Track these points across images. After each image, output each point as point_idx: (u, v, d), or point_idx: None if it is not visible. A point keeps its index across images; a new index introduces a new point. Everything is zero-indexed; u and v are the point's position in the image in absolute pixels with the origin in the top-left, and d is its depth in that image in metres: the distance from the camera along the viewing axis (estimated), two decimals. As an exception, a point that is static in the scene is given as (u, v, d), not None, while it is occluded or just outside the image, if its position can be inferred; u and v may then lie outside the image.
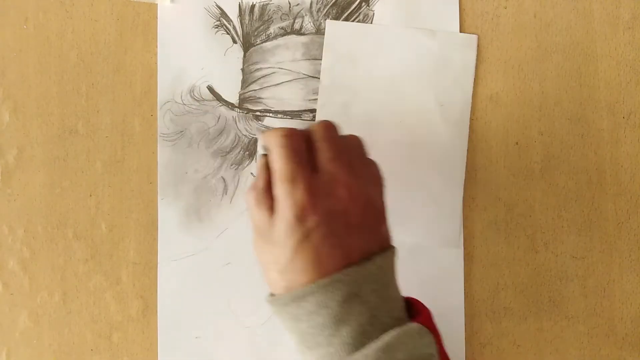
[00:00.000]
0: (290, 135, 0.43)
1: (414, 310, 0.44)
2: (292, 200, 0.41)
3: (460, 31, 0.54)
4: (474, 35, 0.54)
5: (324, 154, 0.43)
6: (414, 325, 0.41)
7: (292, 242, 0.40)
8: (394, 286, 0.43)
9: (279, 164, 0.42)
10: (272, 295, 0.43)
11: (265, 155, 0.45)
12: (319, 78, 0.54)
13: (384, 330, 0.40)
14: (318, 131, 0.44)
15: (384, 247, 0.43)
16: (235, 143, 0.55)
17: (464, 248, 0.54)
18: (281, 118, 0.54)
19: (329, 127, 0.45)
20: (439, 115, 0.54)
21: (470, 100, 0.54)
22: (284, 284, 0.41)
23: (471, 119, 0.54)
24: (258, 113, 0.55)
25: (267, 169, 0.43)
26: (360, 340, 0.40)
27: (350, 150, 0.44)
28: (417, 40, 0.54)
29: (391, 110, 0.54)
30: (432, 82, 0.54)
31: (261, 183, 0.43)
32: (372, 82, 0.54)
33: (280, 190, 0.41)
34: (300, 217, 0.40)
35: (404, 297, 0.44)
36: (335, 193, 0.42)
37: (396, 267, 0.44)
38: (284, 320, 0.42)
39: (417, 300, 0.45)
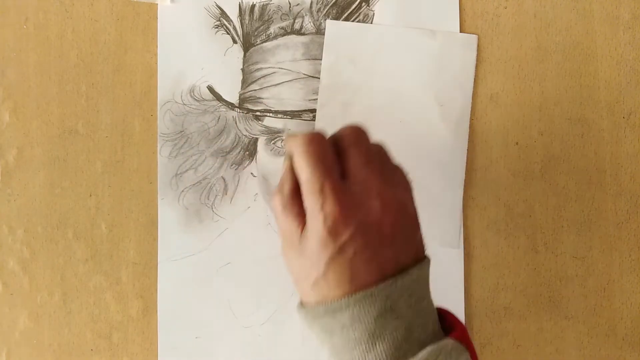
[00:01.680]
0: (318, 142, 0.41)
1: (447, 322, 0.42)
2: (324, 213, 0.39)
3: (460, 31, 0.55)
4: (474, 35, 0.54)
5: (354, 161, 0.41)
6: (450, 342, 0.40)
7: (326, 256, 0.39)
8: (429, 298, 0.42)
9: (306, 173, 0.40)
10: (302, 305, 0.42)
11: (290, 158, 0.43)
12: (319, 78, 0.54)
13: (420, 346, 0.39)
14: (348, 136, 0.42)
15: (419, 258, 0.42)
16: (236, 143, 0.55)
17: (464, 248, 0.54)
18: (281, 118, 0.54)
19: (360, 132, 0.42)
20: (439, 115, 0.54)
21: (470, 100, 0.54)
22: (316, 297, 0.40)
23: (471, 119, 0.54)
24: (258, 113, 0.55)
25: (293, 172, 0.42)
26: (395, 357, 0.39)
27: (379, 157, 0.43)
28: (417, 40, 0.54)
29: (391, 110, 0.54)
30: (432, 82, 0.54)
31: (287, 189, 0.41)
32: (372, 82, 0.54)
33: (310, 202, 0.40)
34: (333, 231, 0.39)
35: (436, 308, 0.43)
36: (368, 203, 0.40)
37: (429, 278, 0.43)
38: (317, 333, 0.41)
39: (449, 312, 0.43)
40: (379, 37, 0.54)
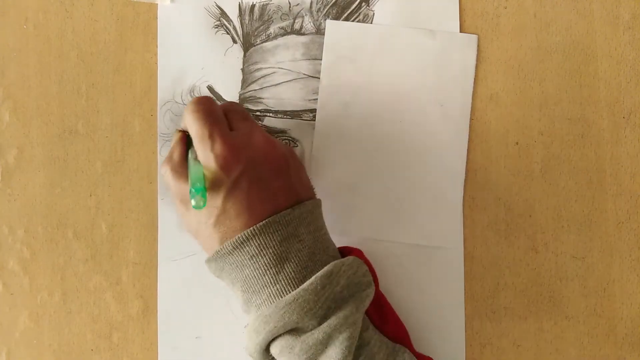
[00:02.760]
0: (205, 101, 0.46)
1: (346, 252, 0.48)
2: (214, 154, 0.43)
3: (460, 31, 0.54)
4: (474, 35, 0.54)
5: (235, 117, 0.47)
6: (350, 257, 0.45)
7: (223, 192, 0.43)
8: (326, 232, 0.47)
9: (197, 125, 0.45)
10: (208, 259, 0.45)
11: (180, 131, 0.48)
12: (319, 78, 0.54)
13: (324, 264, 0.44)
14: (226, 105, 0.48)
15: (311, 196, 0.47)
16: (235, 143, 0.54)
17: (464, 248, 0.54)
18: (281, 118, 0.54)
19: (235, 103, 0.50)
20: (439, 115, 0.54)
21: (470, 100, 0.54)
22: (219, 236, 0.44)
23: (471, 119, 0.54)
24: (258, 113, 0.55)
25: (181, 143, 0.47)
26: (303, 275, 0.43)
27: (230, 111, 0.48)
28: (417, 40, 0.54)
29: (391, 110, 0.54)
30: (432, 82, 0.54)
31: (177, 155, 0.47)
32: (372, 82, 0.54)
33: (201, 148, 0.44)
34: (225, 168, 0.43)
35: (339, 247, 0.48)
36: (253, 143, 0.45)
37: (322, 216, 0.47)
38: (228, 273, 0.45)
39: (348, 247, 0.48)
40: (379, 37, 0.54)
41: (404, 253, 0.54)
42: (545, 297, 0.54)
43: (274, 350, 0.44)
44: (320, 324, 0.42)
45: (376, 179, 0.54)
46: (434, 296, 0.54)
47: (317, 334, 0.42)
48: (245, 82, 0.55)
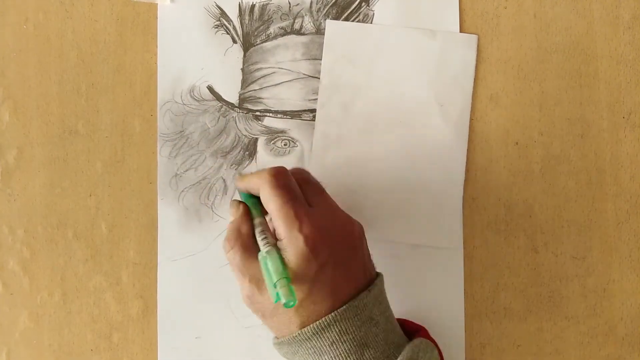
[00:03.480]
0: (284, 174, 0.44)
1: (407, 327, 0.46)
2: (303, 235, 0.41)
3: (460, 31, 0.54)
4: (474, 35, 0.54)
5: (311, 192, 0.45)
6: (423, 340, 0.44)
7: (310, 275, 0.41)
8: (390, 308, 0.46)
9: (278, 203, 0.42)
10: (279, 339, 0.44)
11: (240, 202, 0.46)
12: (318, 78, 0.54)
13: (397, 348, 0.42)
14: (298, 174, 0.46)
15: (376, 273, 0.46)
16: (235, 143, 0.55)
17: (464, 248, 0.54)
18: (281, 118, 0.54)
19: (305, 171, 0.47)
20: (439, 115, 0.54)
21: (470, 100, 0.54)
22: (300, 321, 0.42)
23: (471, 119, 0.54)
24: (258, 113, 0.55)
25: (247, 216, 0.45)
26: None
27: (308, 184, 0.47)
28: (417, 40, 0.54)
29: (391, 110, 0.54)
30: (432, 82, 0.54)
31: (245, 231, 0.44)
32: (372, 82, 0.54)
33: (286, 228, 0.42)
34: (314, 250, 0.41)
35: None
36: (334, 223, 0.43)
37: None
38: (302, 357, 0.43)
39: (409, 321, 0.48)
40: (379, 37, 0.54)
41: (404, 253, 0.54)
42: (545, 297, 0.54)
43: None
44: None
45: (376, 179, 0.54)
46: (434, 296, 0.54)
47: None
48: (245, 82, 0.55)
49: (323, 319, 0.41)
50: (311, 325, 0.41)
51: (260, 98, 0.55)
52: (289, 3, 0.55)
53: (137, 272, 0.54)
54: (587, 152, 0.54)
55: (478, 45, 0.55)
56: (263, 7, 0.55)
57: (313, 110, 0.54)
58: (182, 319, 0.54)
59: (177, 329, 0.54)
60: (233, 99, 0.55)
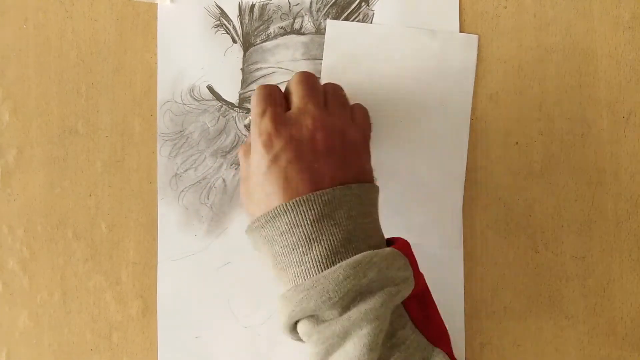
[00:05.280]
0: (267, 86, 0.47)
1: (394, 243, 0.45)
2: (259, 130, 0.44)
3: (460, 31, 0.54)
4: (474, 35, 0.54)
5: (296, 94, 0.46)
6: (387, 249, 0.42)
7: (262, 168, 0.43)
8: (374, 220, 0.45)
9: (254, 106, 0.46)
10: (248, 228, 0.45)
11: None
12: (319, 78, 0.54)
13: (358, 253, 0.41)
14: (293, 77, 0.47)
15: (365, 181, 0.45)
16: (235, 143, 0.55)
17: (464, 248, 0.54)
18: (281, 118, 0.54)
19: (305, 74, 0.48)
20: (439, 116, 0.54)
21: (471, 100, 0.54)
22: (258, 212, 0.44)
23: (471, 119, 0.54)
24: (258, 113, 0.55)
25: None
26: (331, 260, 0.41)
27: (327, 93, 0.48)
28: (417, 40, 0.54)
29: (391, 110, 0.54)
30: (433, 82, 0.54)
31: (248, 140, 0.47)
32: (372, 82, 0.54)
33: (253, 126, 0.45)
34: (267, 144, 0.43)
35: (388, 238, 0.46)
36: (301, 122, 0.44)
37: (378, 204, 0.46)
38: (260, 247, 0.44)
39: (398, 237, 0.45)
40: (380, 37, 0.54)
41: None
42: (545, 297, 0.54)
43: (300, 330, 0.42)
44: (340, 315, 0.40)
45: (376, 179, 0.54)
46: (433, 295, 0.54)
47: (335, 326, 0.40)
48: (245, 82, 0.55)
49: (273, 208, 0.42)
50: (263, 215, 0.43)
51: (260, 98, 0.54)
52: (289, 3, 0.55)
53: (137, 272, 0.54)
54: (587, 152, 0.54)
55: (478, 45, 0.55)
56: (263, 7, 0.55)
57: (313, 110, 0.54)
58: (182, 319, 0.54)
59: (177, 329, 0.54)
60: (233, 98, 0.55)
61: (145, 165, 0.55)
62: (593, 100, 0.54)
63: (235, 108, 0.55)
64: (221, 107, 0.55)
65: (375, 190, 0.45)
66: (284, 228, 0.42)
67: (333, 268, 0.40)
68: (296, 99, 0.46)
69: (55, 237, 0.54)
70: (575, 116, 0.54)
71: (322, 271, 0.41)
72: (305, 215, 0.42)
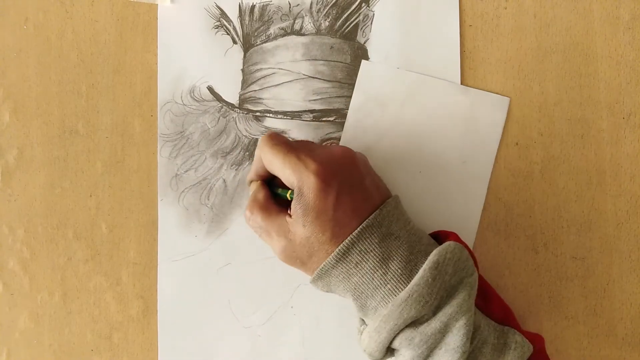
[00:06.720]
0: (275, 134, 0.48)
1: (441, 237, 0.48)
2: (310, 171, 0.44)
3: (460, 32, 0.54)
4: (506, 98, 0.54)
5: (307, 144, 0.49)
6: (451, 243, 0.45)
7: (331, 204, 0.44)
8: (413, 223, 0.47)
9: (281, 157, 0.46)
10: (313, 279, 0.46)
11: (255, 181, 0.49)
12: (319, 78, 0.54)
13: (424, 255, 0.45)
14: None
15: (389, 196, 0.48)
16: (236, 143, 0.55)
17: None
18: (281, 118, 0.54)
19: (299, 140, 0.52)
20: (460, 173, 0.54)
21: (493, 162, 0.54)
22: (317, 260, 0.45)
23: (471, 120, 0.54)
24: (258, 113, 0.55)
25: (262, 185, 0.49)
26: (409, 269, 0.44)
27: (304, 147, 0.49)
28: (449, 93, 0.54)
29: (412, 159, 0.54)
30: (458, 139, 0.54)
31: (261, 196, 0.48)
32: (397, 129, 0.54)
33: (294, 173, 0.45)
34: (327, 181, 0.44)
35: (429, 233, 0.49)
36: (335, 156, 0.46)
37: (405, 210, 0.48)
38: (337, 286, 0.45)
39: (442, 231, 0.49)
40: (411, 84, 0.54)
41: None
42: (545, 297, 0.54)
43: (395, 343, 0.44)
44: (435, 313, 0.43)
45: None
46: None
47: (435, 323, 0.43)
48: (245, 83, 0.55)
49: (342, 244, 0.44)
50: (333, 254, 0.44)
51: (260, 99, 0.55)
52: (289, 4, 0.55)
53: (137, 272, 0.54)
54: (587, 152, 0.54)
55: (478, 45, 0.54)
56: (263, 8, 0.55)
57: (313, 111, 0.54)
58: (182, 319, 0.54)
59: (177, 329, 0.54)
60: (233, 99, 0.55)
61: (145, 165, 0.55)
62: (593, 101, 0.54)
63: (236, 109, 0.55)
64: (221, 107, 0.55)
65: (399, 199, 0.48)
66: (357, 259, 0.44)
67: (419, 274, 0.43)
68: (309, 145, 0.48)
69: (55, 237, 0.54)
70: (575, 117, 0.54)
71: (405, 282, 0.44)
72: (372, 240, 0.44)
